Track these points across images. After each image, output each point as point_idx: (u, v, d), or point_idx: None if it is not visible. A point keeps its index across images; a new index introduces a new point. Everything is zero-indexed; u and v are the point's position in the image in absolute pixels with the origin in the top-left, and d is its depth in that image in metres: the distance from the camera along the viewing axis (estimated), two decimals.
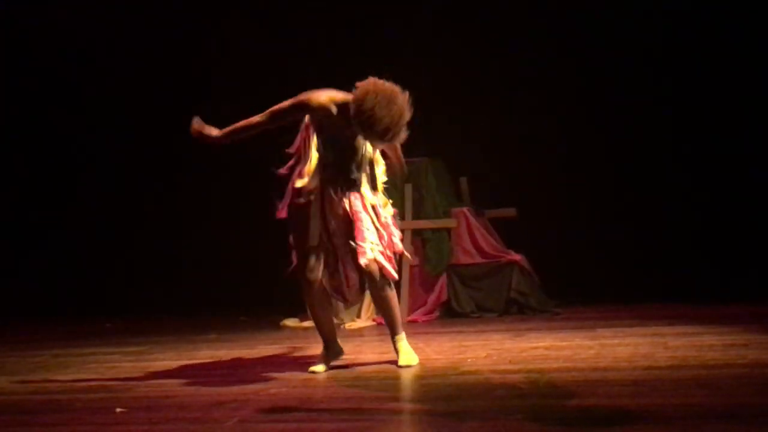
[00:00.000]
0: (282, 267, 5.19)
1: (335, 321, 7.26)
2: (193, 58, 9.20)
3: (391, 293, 4.92)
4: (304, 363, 5.11)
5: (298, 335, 6.75)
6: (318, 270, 4.88)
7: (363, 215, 4.81)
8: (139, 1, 9.21)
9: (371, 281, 4.86)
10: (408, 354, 4.92)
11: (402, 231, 7.31)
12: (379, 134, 4.52)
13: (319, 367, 4.88)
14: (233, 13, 9.02)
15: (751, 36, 7.93)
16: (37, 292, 9.36)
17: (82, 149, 9.73)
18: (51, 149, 9.77)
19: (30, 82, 9.63)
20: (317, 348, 5.72)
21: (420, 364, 4.86)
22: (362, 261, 4.75)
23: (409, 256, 5.72)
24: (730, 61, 8.00)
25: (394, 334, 4.97)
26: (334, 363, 4.97)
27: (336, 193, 4.81)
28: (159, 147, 9.25)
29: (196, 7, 9.09)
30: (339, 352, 5.07)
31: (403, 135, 4.65)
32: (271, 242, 7.88)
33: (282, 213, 4.91)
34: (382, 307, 4.99)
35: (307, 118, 4.88)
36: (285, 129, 4.88)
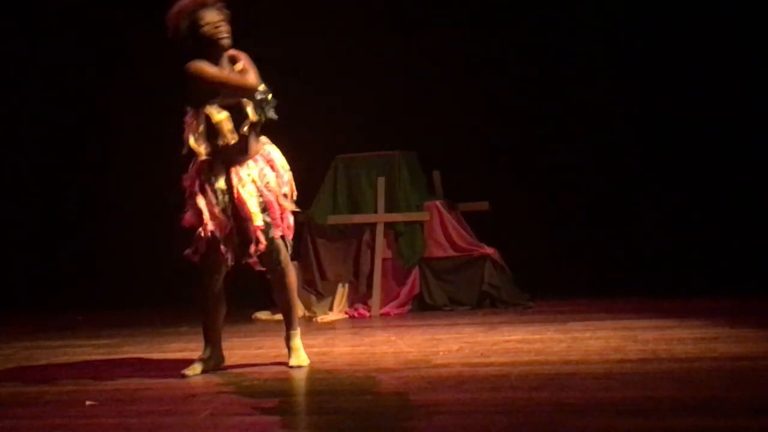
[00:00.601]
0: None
1: (308, 314, 7.30)
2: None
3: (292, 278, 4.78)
4: (276, 356, 5.10)
5: (270, 328, 6.73)
6: (222, 269, 4.74)
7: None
8: None
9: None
10: (299, 353, 4.77)
11: (375, 224, 7.40)
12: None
13: (195, 369, 4.69)
14: None
15: (743, 33, 7.97)
16: (2, 283, 9.27)
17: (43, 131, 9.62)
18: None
19: None
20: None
21: (393, 356, 4.86)
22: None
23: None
24: (715, 59, 8.02)
25: (288, 328, 4.82)
26: (213, 369, 4.76)
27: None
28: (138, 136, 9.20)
29: None
30: (220, 360, 4.87)
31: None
32: None
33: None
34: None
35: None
36: None
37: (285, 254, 4.75)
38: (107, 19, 9.00)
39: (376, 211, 7.43)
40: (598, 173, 8.30)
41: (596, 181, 8.30)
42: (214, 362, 4.82)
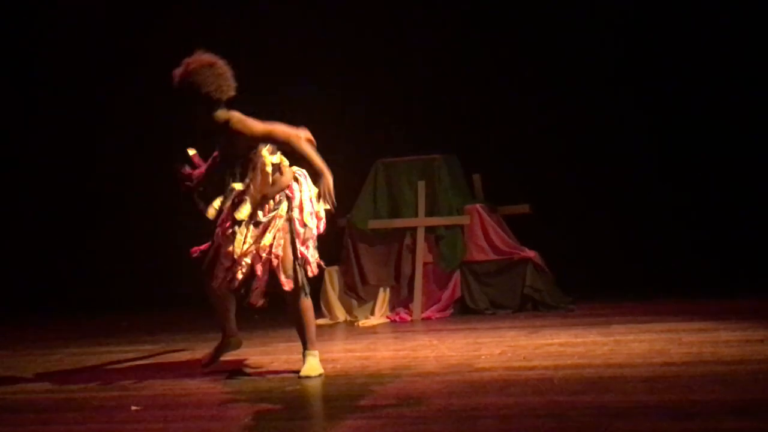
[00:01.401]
0: None
1: (349, 318, 7.32)
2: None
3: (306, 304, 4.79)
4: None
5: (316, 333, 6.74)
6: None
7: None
8: None
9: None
10: (310, 363, 4.73)
11: (416, 228, 7.40)
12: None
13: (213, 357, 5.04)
14: None
15: (748, 37, 7.91)
16: (47, 288, 9.39)
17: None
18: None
19: None
20: (332, 345, 5.74)
21: (435, 360, 4.86)
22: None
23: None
24: (729, 67, 7.98)
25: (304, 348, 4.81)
26: (227, 356, 5.09)
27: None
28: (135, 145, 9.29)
29: None
30: (237, 345, 5.14)
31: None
32: None
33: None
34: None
35: None
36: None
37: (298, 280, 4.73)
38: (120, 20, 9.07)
39: (416, 215, 7.43)
40: (640, 174, 8.25)
41: (638, 182, 8.25)
42: (231, 348, 5.10)
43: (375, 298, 7.37)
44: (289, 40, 8.78)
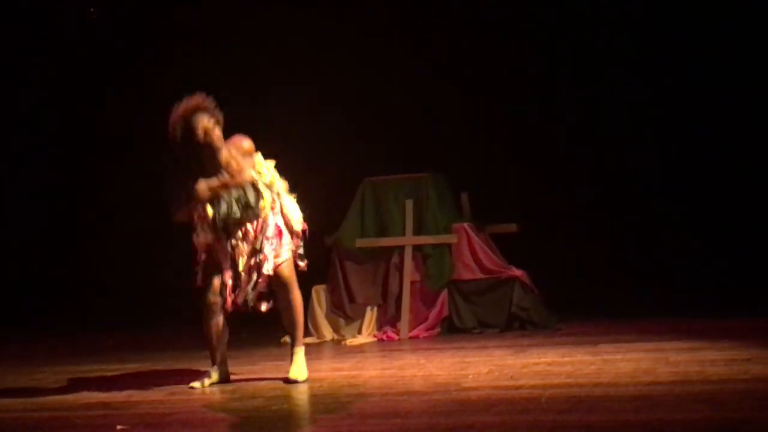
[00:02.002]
0: None
1: (336, 337, 7.30)
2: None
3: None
4: (304, 380, 5.10)
5: None
6: (218, 293, 5.10)
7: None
8: None
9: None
10: (299, 366, 5.09)
11: (403, 246, 7.40)
12: None
13: (203, 383, 5.07)
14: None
15: (747, 46, 7.96)
16: (31, 305, 9.35)
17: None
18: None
19: None
20: (320, 364, 5.72)
21: (422, 379, 4.86)
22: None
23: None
24: (728, 76, 8.02)
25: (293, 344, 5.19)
26: (218, 383, 5.12)
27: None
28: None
29: None
30: (226, 376, 5.21)
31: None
32: None
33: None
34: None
35: None
36: None
37: (287, 274, 5.10)
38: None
39: (404, 234, 7.43)
40: (626, 195, 8.28)
41: (625, 202, 8.28)
42: (220, 378, 5.18)
43: (362, 316, 7.36)
44: (278, 60, 8.80)
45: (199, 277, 5.14)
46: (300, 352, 5.15)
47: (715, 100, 8.06)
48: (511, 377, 4.73)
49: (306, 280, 6.62)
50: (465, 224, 7.50)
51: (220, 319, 5.14)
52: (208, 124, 4.98)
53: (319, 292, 7.43)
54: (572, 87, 8.35)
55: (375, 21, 8.66)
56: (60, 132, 9.60)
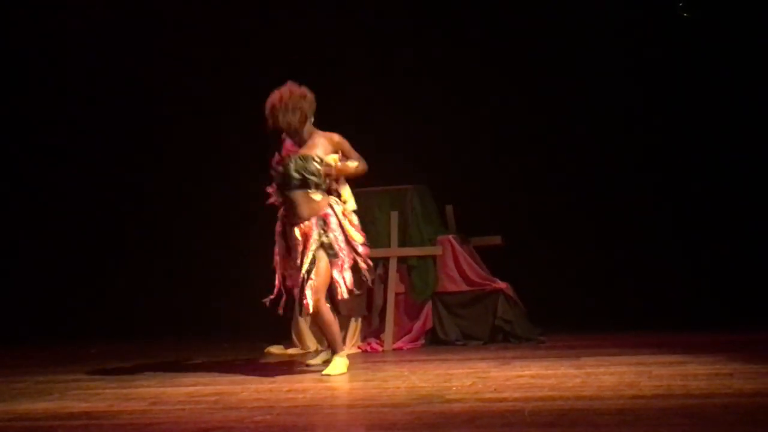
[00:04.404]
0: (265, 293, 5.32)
1: (320, 348, 7.29)
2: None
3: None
4: (288, 390, 5.09)
5: (283, 362, 6.72)
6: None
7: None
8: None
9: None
10: (335, 364, 5.73)
11: (388, 258, 7.40)
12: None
13: (317, 360, 6.09)
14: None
15: (738, 54, 8.01)
16: (14, 314, 9.29)
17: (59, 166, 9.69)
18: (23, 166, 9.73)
19: None
20: (303, 375, 5.72)
21: (405, 391, 4.85)
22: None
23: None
24: (716, 86, 8.07)
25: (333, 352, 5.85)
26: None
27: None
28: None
29: None
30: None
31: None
32: (256, 268, 7.90)
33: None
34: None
35: None
36: None
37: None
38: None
39: (389, 245, 7.42)
40: (611, 208, 8.31)
41: (609, 216, 8.30)
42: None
43: (346, 328, 7.34)
44: (262, 70, 8.79)
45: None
46: (336, 357, 5.79)
47: (692, 110, 8.09)
48: (495, 390, 4.73)
49: (291, 292, 6.63)
50: (450, 236, 7.50)
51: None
52: (292, 119, 5.65)
53: None
54: (557, 99, 8.38)
55: (354, 30, 8.67)
56: None
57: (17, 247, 9.63)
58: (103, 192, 9.51)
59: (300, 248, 5.65)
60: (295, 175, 5.69)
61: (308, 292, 5.57)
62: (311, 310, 5.63)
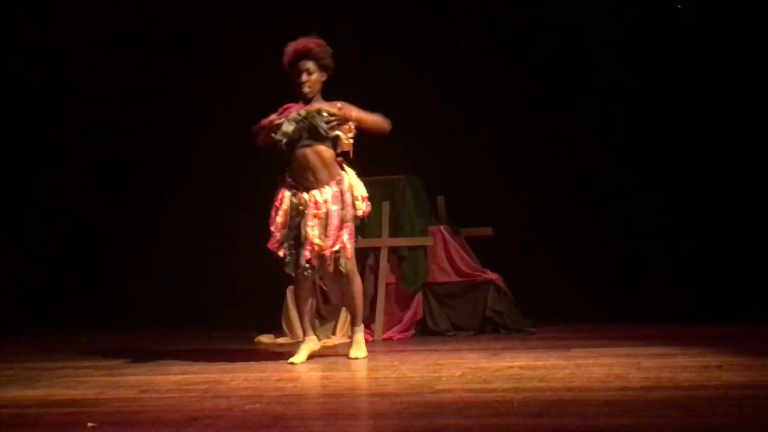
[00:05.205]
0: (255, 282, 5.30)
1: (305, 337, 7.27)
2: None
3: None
4: (278, 380, 5.09)
5: (273, 351, 6.72)
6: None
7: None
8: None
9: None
10: (360, 346, 5.88)
11: (379, 248, 7.39)
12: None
13: (298, 358, 5.73)
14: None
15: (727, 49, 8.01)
16: (3, 303, 9.27)
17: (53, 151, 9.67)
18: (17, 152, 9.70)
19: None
20: (290, 367, 5.71)
21: (395, 381, 4.85)
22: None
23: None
24: (710, 87, 8.07)
25: (353, 324, 5.99)
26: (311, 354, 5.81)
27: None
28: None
29: None
30: (315, 345, 5.92)
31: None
32: (246, 257, 7.89)
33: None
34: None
35: None
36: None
37: (347, 263, 5.71)
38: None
39: (380, 236, 7.42)
40: (602, 200, 8.31)
41: (600, 207, 8.31)
42: (312, 347, 5.90)
43: (336, 317, 7.35)
44: (252, 65, 8.79)
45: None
46: (359, 332, 5.95)
47: (686, 109, 8.10)
48: (484, 380, 4.73)
49: (281, 281, 6.64)
50: (441, 227, 7.51)
51: (308, 288, 5.86)
52: (329, 62, 5.76)
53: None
54: (550, 90, 8.37)
55: (347, 20, 8.65)
56: None
57: (5, 236, 9.59)
58: (91, 179, 9.47)
59: (317, 212, 5.63)
60: (310, 121, 5.64)
61: (342, 261, 5.66)
62: (350, 276, 5.76)
